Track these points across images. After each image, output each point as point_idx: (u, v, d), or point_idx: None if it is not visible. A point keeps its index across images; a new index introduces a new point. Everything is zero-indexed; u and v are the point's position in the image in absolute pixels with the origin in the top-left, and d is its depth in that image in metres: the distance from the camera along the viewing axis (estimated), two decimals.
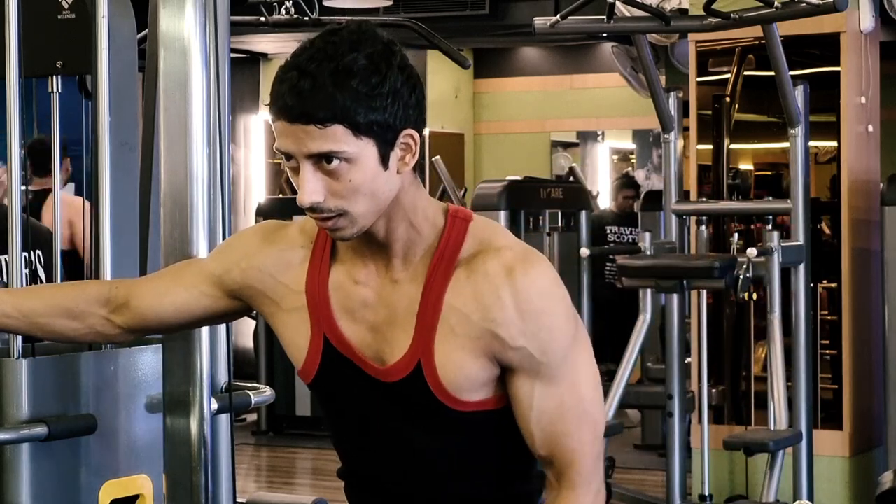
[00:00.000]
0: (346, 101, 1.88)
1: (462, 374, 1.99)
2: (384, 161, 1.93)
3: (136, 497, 2.72)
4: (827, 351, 6.58)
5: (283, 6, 5.68)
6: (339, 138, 1.89)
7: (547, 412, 2.00)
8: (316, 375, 2.08)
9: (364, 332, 2.04)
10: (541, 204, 8.06)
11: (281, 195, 11.09)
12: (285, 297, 2.09)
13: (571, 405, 2.01)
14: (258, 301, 2.14)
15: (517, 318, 1.96)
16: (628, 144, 12.96)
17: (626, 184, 9.99)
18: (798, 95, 5.86)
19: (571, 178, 9.25)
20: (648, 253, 6.15)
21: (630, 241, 9.28)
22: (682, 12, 6.17)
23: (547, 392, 1.99)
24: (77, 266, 3.60)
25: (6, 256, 2.71)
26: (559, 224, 8.45)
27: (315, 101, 1.88)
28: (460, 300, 1.98)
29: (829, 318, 6.59)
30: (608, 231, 9.51)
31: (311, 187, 1.92)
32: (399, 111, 1.92)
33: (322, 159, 1.90)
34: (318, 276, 2.07)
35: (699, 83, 6.76)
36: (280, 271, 2.10)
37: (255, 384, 3.00)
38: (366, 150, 1.91)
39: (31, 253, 3.69)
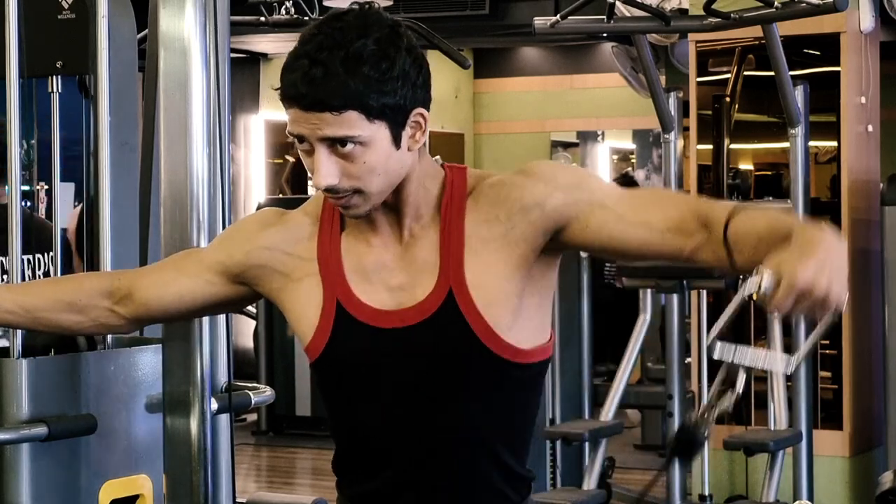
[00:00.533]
0: (359, 87, 1.93)
1: (497, 285, 2.02)
2: (396, 141, 1.99)
3: (136, 497, 2.72)
4: (827, 351, 6.57)
5: (283, 6, 5.69)
6: (353, 123, 1.95)
7: (637, 208, 2.04)
8: (325, 347, 2.07)
9: (381, 292, 2.06)
10: None
11: (281, 195, 11.08)
12: (297, 267, 2.11)
13: (645, 193, 2.12)
14: (266, 279, 2.15)
15: (538, 182, 2.04)
16: (628, 144, 12.95)
17: (626, 184, 9.98)
18: (798, 95, 5.86)
19: None
20: None
21: None
22: (682, 12, 6.15)
23: (617, 202, 2.04)
24: None
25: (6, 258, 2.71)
26: None
27: (328, 89, 1.93)
28: (480, 216, 2.04)
29: None
30: None
31: (326, 170, 1.97)
32: (409, 92, 1.97)
33: (336, 143, 1.96)
34: (328, 243, 2.10)
35: (699, 83, 6.75)
36: (289, 245, 2.13)
37: (255, 384, 3.00)
38: (379, 132, 1.97)
39: (45, 255, 3.68)
